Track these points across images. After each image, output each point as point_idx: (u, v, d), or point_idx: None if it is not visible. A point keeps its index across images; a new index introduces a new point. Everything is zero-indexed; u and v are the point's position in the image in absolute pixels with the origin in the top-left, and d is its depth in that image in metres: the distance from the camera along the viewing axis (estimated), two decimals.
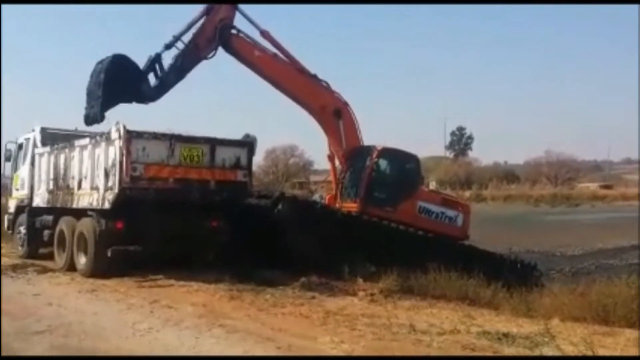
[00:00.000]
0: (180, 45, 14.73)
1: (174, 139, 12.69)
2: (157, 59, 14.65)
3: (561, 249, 27.77)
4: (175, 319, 8.68)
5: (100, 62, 14.32)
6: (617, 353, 7.45)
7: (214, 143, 13.14)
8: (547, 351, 7.38)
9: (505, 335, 8.09)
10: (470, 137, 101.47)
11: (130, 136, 12.01)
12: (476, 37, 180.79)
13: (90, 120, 14.23)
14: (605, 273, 16.07)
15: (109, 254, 12.21)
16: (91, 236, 12.57)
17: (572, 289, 10.95)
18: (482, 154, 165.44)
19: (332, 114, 16.08)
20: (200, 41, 14.87)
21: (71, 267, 13.32)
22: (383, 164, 16.33)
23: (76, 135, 15.40)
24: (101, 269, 12.45)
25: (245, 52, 15.58)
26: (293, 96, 16.14)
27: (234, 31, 15.34)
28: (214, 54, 15.19)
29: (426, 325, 8.73)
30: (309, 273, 12.21)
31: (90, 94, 14.27)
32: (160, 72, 14.69)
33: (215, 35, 14.95)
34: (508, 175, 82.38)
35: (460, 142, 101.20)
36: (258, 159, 59.62)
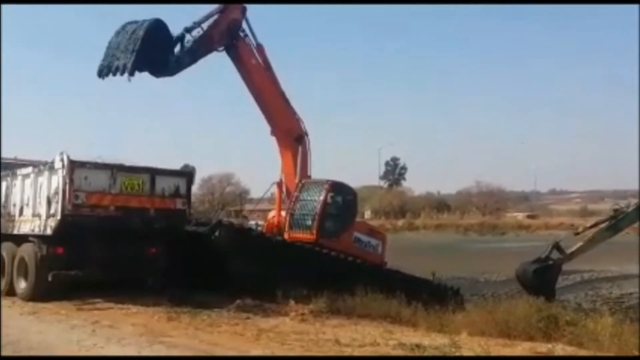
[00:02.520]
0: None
1: (115, 169, 13.34)
2: (181, 37, 15.34)
3: (486, 275, 29.32)
4: (117, 337, 9.32)
5: (133, 22, 14.79)
6: None
7: (154, 173, 13.85)
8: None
9: (418, 346, 9.11)
10: (404, 168, 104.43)
11: (74, 165, 12.61)
12: (403, 74, 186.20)
13: (113, 70, 14.43)
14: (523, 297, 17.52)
15: (49, 278, 12.66)
16: (32, 261, 12.98)
17: (481, 307, 12.12)
18: (416, 184, 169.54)
19: (295, 139, 17.08)
20: (214, 34, 15.89)
21: (10, 291, 13.61)
22: (333, 197, 17.37)
23: (16, 164, 15.76)
24: (41, 293, 12.86)
25: (245, 57, 16.52)
26: (268, 112, 16.97)
27: (242, 33, 16.44)
28: (223, 49, 16.23)
29: (350, 339, 9.67)
30: (244, 296, 13.00)
31: (118, 46, 14.52)
32: (180, 51, 15.43)
33: (227, 31, 16.05)
34: (440, 204, 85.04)
35: (395, 172, 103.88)
36: (194, 188, 59.74)
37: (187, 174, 14.41)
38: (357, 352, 8.68)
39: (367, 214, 51.31)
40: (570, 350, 9.49)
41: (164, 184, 13.90)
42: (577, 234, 16.82)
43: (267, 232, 16.73)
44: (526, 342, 10.14)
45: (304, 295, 13.50)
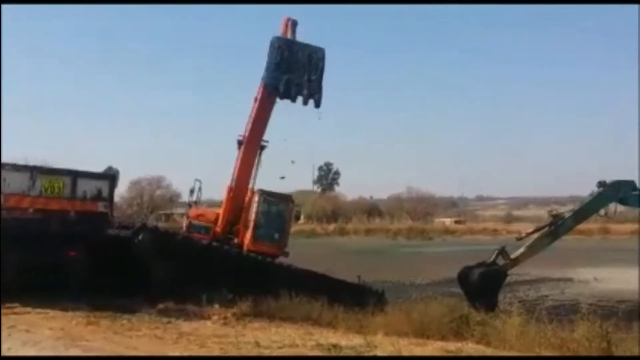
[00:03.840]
0: None
1: (35, 171, 13.08)
2: None
3: (411, 278, 30.07)
4: (33, 341, 9.19)
5: (302, 44, 15.15)
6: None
7: (75, 175, 13.64)
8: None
9: (335, 346, 9.44)
10: (337, 173, 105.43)
11: None
12: (335, 77, 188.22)
13: (304, 95, 15.10)
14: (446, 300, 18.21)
15: None
16: None
17: (399, 309, 12.59)
18: (349, 189, 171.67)
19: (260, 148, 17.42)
20: None
21: None
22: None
23: None
24: None
25: None
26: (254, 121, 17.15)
27: None
28: None
29: (269, 341, 9.88)
30: (167, 300, 12.97)
31: (292, 69, 14.91)
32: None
33: None
34: (372, 209, 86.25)
35: (328, 177, 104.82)
36: (121, 190, 58.52)
37: (109, 176, 14.25)
38: (276, 354, 8.89)
39: (300, 219, 51.49)
40: (478, 349, 10.03)
41: (86, 187, 13.70)
42: (520, 239, 16.86)
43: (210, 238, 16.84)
44: (438, 342, 10.65)
45: (228, 298, 13.62)
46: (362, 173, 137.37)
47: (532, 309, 16.37)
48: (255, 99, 16.70)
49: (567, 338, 10.46)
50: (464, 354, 9.28)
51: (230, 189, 17.54)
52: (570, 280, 28.70)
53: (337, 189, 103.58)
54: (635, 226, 58.79)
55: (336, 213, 77.02)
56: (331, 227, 64.88)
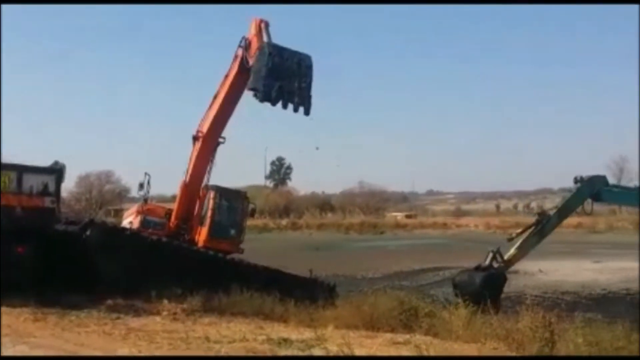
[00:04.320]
0: None
1: None
2: None
3: (363, 272, 30.50)
4: None
5: (290, 50, 14.71)
6: (372, 351, 9.11)
7: (21, 170, 13.28)
8: (317, 351, 8.88)
9: (285, 340, 9.50)
10: (289, 167, 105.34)
11: None
12: None
13: (295, 102, 14.64)
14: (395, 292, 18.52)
15: None
16: None
17: (350, 302, 12.77)
18: (302, 184, 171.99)
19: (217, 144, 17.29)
20: None
21: None
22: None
23: None
24: None
25: None
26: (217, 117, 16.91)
27: None
28: None
29: (220, 336, 9.88)
30: (115, 296, 12.80)
31: (282, 76, 14.46)
32: None
33: None
34: (324, 204, 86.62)
35: (280, 172, 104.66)
36: (70, 185, 57.20)
37: (56, 171, 13.93)
38: (226, 349, 8.90)
39: (253, 206, 51.38)
40: (426, 340, 10.24)
41: (32, 182, 13.37)
42: (510, 240, 16.49)
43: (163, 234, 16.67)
44: (388, 333, 10.84)
45: (178, 294, 13.53)
46: (315, 168, 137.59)
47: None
48: (216, 96, 16.58)
49: (512, 328, 10.78)
50: (412, 344, 9.46)
51: (185, 185, 17.38)
52: (516, 272, 29.38)
53: (289, 183, 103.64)
54: (579, 219, 60.85)
55: (289, 208, 77.09)
56: (284, 221, 64.95)
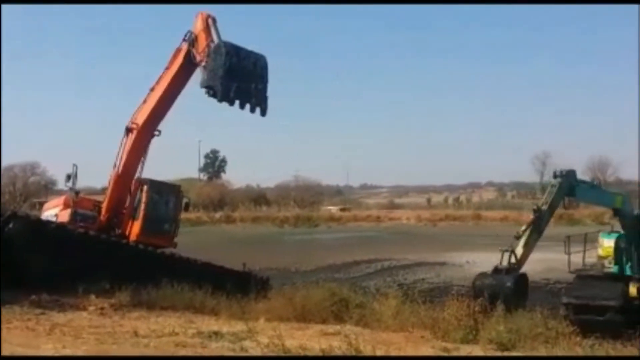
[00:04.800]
0: None
1: None
2: None
3: (297, 265, 30.65)
4: None
5: (245, 50, 14.47)
6: (303, 341, 9.17)
7: None
8: (247, 344, 8.90)
9: (216, 333, 9.47)
10: (223, 160, 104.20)
11: None
12: None
13: (252, 103, 14.53)
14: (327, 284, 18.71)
15: None
16: None
17: (282, 295, 12.83)
18: (236, 177, 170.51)
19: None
20: None
21: None
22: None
23: None
24: None
25: None
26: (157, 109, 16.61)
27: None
28: None
29: (148, 330, 9.75)
30: (40, 291, 12.39)
31: (239, 75, 14.22)
32: None
33: None
34: (259, 197, 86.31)
35: (214, 164, 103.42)
36: None
37: None
38: (154, 343, 8.79)
39: (187, 201, 50.48)
40: (356, 330, 10.45)
41: None
42: (518, 237, 15.60)
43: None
44: (319, 325, 10.99)
45: (106, 289, 13.25)
46: (250, 162, 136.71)
47: (409, 292, 17.33)
48: (154, 89, 16.23)
49: (438, 317, 11.17)
50: (342, 335, 9.61)
51: (118, 176, 16.94)
52: (445, 264, 30.41)
53: (224, 176, 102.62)
54: (505, 213, 63.14)
55: (223, 201, 76.31)
56: (217, 215, 64.30)
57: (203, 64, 14.63)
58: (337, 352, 7.87)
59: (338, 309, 11.90)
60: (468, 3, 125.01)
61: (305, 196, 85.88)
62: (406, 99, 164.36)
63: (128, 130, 16.68)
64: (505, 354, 8.91)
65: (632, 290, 13.11)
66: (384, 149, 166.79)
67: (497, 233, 46.69)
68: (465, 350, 9.14)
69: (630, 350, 9.98)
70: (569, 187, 15.41)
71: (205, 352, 8.33)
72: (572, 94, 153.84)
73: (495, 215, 61.85)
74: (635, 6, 61.42)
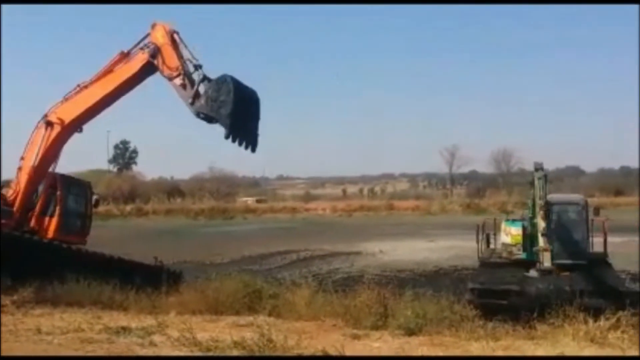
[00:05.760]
0: None
1: None
2: None
3: (212, 258, 30.31)
4: None
5: (246, 87, 14.09)
6: (214, 334, 9.09)
7: None
8: (157, 338, 8.74)
9: (124, 328, 9.23)
10: (134, 151, 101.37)
11: None
12: None
13: (247, 141, 14.09)
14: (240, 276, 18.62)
15: None
16: None
17: (194, 288, 12.68)
18: (148, 169, 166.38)
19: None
20: None
21: None
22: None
23: None
24: None
25: None
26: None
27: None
28: None
29: (52, 327, 9.37)
30: None
31: (247, 117, 13.99)
32: None
33: None
34: (173, 190, 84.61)
35: (125, 156, 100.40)
36: None
37: None
38: (58, 340, 8.48)
39: (98, 197, 48.63)
40: (269, 320, 10.49)
41: None
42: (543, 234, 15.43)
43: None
44: (232, 317, 10.94)
45: (8, 285, 12.64)
46: (163, 153, 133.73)
47: (324, 281, 17.58)
48: (86, 87, 15.55)
49: (350, 305, 11.41)
50: (254, 326, 9.62)
51: (34, 171, 16.02)
52: (359, 253, 30.93)
53: (135, 168, 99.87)
54: (416, 203, 65.16)
55: (134, 194, 74.29)
56: (128, 208, 62.51)
57: (178, 81, 14.29)
58: (250, 343, 7.86)
59: (251, 300, 11.90)
60: None
61: (221, 188, 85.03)
62: (321, 91, 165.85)
63: (48, 124, 15.89)
64: (412, 338, 9.20)
65: (533, 274, 13.81)
66: (300, 140, 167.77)
67: (408, 222, 48.39)
68: (375, 336, 9.37)
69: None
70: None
71: (113, 348, 8.11)
72: (479, 86, 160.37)
73: (407, 205, 63.71)
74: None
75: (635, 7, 76.42)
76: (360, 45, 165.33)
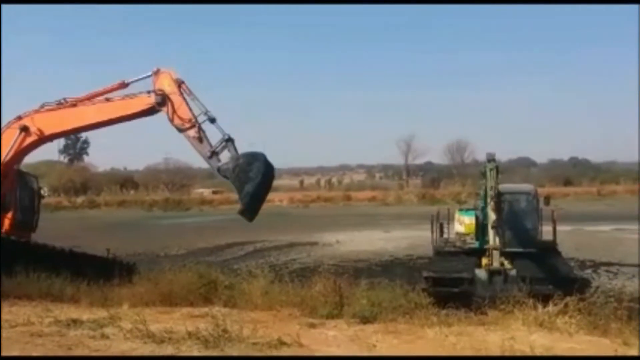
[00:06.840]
0: None
1: None
2: None
3: (166, 249, 30.01)
4: None
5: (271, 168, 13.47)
6: (168, 325, 8.98)
7: None
8: (109, 330, 8.58)
9: (75, 321, 9.03)
10: (86, 142, 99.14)
11: None
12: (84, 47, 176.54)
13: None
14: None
15: None
16: None
17: (147, 280, 12.51)
18: (100, 160, 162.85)
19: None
20: None
21: None
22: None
23: None
24: None
25: None
26: None
27: None
28: None
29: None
30: None
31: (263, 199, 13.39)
32: None
33: None
34: (126, 181, 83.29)
35: (76, 146, 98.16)
36: None
37: None
38: (7, 334, 8.20)
39: (45, 191, 47.46)
40: (224, 311, 10.42)
41: None
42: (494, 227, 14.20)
43: None
44: (186, 308, 10.84)
45: None
46: (116, 144, 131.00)
47: (280, 272, 17.57)
48: (73, 104, 15.01)
49: (306, 295, 11.44)
50: (209, 316, 9.56)
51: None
52: (316, 244, 31.08)
53: (86, 159, 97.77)
54: (373, 193, 65.71)
55: (86, 185, 72.88)
56: (80, 199, 61.23)
57: (192, 133, 13.85)
58: (204, 334, 7.79)
59: (206, 291, 11.80)
60: None
61: (176, 179, 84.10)
62: (282, 83, 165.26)
63: (24, 130, 15.28)
64: (368, 325, 9.28)
65: (484, 262, 14.11)
66: (257, 131, 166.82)
67: (365, 212, 48.80)
68: (330, 324, 9.41)
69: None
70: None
71: (63, 341, 7.93)
72: (430, 78, 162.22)
73: (364, 195, 64.20)
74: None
75: None
76: (316, 34, 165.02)
